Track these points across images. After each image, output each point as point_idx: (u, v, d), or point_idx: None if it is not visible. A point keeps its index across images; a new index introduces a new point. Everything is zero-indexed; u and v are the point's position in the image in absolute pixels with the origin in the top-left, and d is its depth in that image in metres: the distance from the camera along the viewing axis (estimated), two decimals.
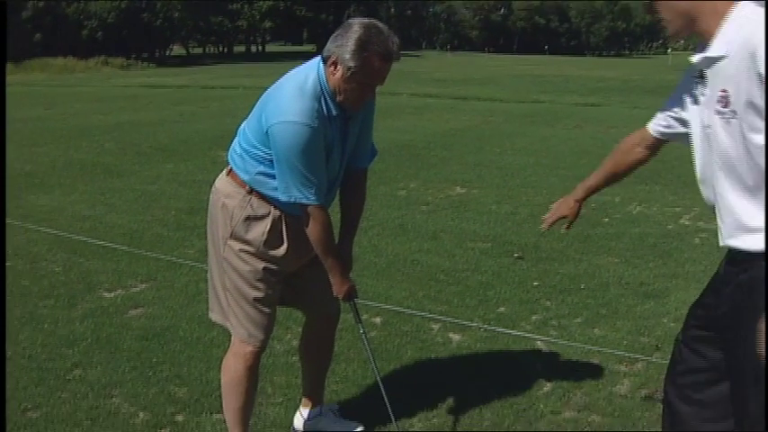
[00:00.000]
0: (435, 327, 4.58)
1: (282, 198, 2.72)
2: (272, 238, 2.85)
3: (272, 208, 2.83)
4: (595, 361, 4.11)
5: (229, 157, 2.93)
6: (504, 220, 7.11)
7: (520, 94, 21.12)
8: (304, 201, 2.70)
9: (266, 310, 2.91)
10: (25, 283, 5.28)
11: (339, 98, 2.69)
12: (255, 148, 2.76)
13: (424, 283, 5.33)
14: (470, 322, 4.61)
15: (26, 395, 3.68)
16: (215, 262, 2.95)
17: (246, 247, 2.84)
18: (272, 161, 2.71)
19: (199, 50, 76.26)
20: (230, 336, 3.03)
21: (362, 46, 2.59)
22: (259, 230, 2.83)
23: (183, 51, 71.59)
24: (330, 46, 2.66)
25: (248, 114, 2.89)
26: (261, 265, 2.86)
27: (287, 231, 2.87)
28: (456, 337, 4.45)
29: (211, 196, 2.96)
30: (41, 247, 6.13)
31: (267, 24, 70.07)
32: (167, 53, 64.99)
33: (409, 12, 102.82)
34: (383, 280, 5.37)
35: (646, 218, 7.19)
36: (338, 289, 2.94)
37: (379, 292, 5.12)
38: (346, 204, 3.06)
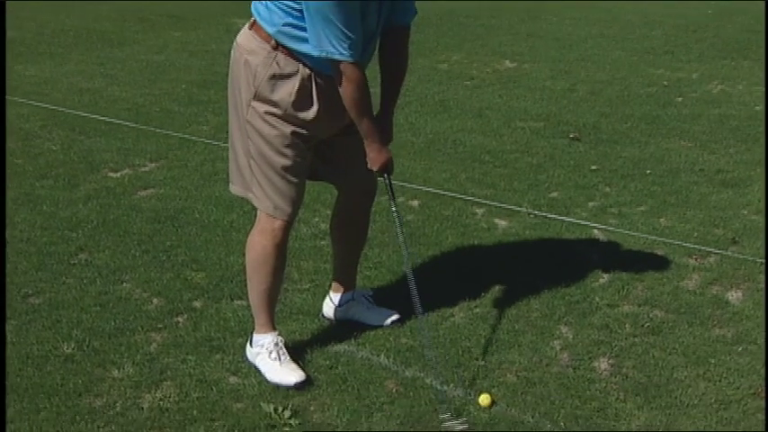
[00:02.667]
0: (479, 211, 4.70)
1: (314, 53, 2.77)
2: (301, 99, 2.91)
3: (301, 66, 2.88)
4: (660, 253, 4.21)
5: (253, 7, 2.96)
6: (560, 97, 7.12)
7: None
8: (337, 56, 2.74)
9: (294, 179, 3.00)
10: (18, 162, 5.42)
11: None
12: None
13: (467, 165, 5.42)
14: (519, 207, 4.72)
15: (26, 280, 3.87)
16: (237, 127, 3.03)
17: (272, 109, 2.91)
18: (301, 12, 2.75)
19: None
20: (253, 216, 3.15)
21: None
22: (286, 90, 2.90)
23: None
24: None
25: None
26: (289, 129, 2.93)
27: (317, 92, 2.93)
28: (502, 222, 4.56)
29: (233, 53, 3.02)
30: (34, 124, 6.26)
31: None
32: None
33: None
34: (421, 160, 5.46)
35: (728, 97, 7.15)
36: (374, 158, 3.01)
37: (416, 173, 5.22)
38: (387, 66, 3.11)
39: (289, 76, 2.89)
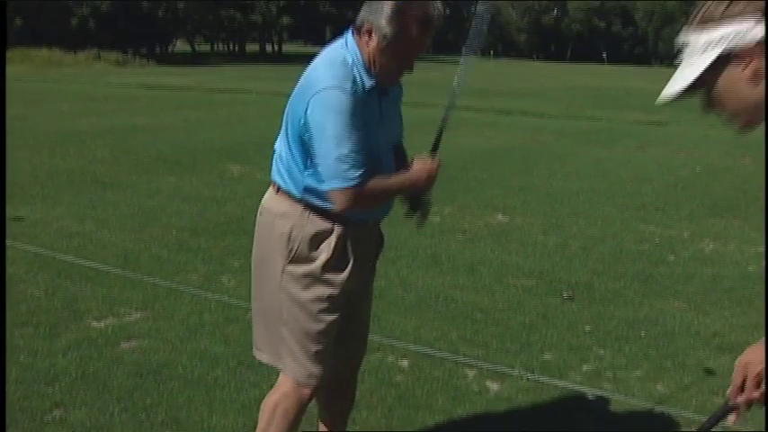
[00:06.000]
0: (471, 373, 4.60)
1: (324, 187, 2.75)
2: (338, 257, 2.89)
3: (336, 223, 2.87)
4: (658, 422, 4.10)
5: (274, 174, 2.98)
6: (552, 253, 7.12)
7: (573, 108, 21.16)
8: (343, 184, 2.71)
9: (328, 343, 2.96)
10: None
11: (374, 70, 2.78)
12: (298, 155, 2.82)
13: (459, 323, 5.35)
14: (511, 369, 4.63)
15: None
16: (268, 295, 2.98)
17: (310, 270, 2.88)
18: (315, 169, 2.77)
19: (206, 48, 77.29)
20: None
21: (400, 10, 2.68)
22: (324, 249, 2.88)
23: (187, 48, 72.43)
24: (363, 13, 2.76)
25: (280, 127, 2.95)
26: (326, 291, 2.90)
27: (352, 247, 2.92)
28: (494, 385, 4.46)
29: (260, 218, 3.01)
30: (19, 267, 6.20)
31: (285, 21, 70.79)
32: (170, 49, 65.79)
33: (447, 11, 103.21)
34: (412, 318, 5.39)
35: (720, 257, 7.17)
36: (420, 169, 2.94)
37: (407, 330, 5.14)
38: None
39: (325, 233, 2.87)
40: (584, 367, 4.73)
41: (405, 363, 4.69)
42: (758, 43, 1.77)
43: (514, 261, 6.84)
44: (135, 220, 7.84)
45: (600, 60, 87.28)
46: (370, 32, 2.73)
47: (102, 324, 5.15)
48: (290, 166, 2.87)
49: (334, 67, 2.74)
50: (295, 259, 2.88)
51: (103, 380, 4.34)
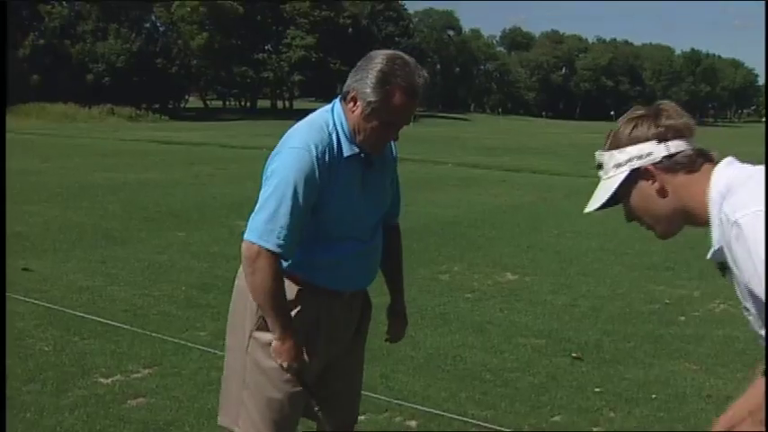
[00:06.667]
0: None
1: (245, 235, 2.73)
2: (305, 328, 2.85)
3: (306, 291, 2.85)
4: None
5: None
6: (561, 313, 7.07)
7: (582, 166, 21.12)
8: (258, 241, 2.67)
9: (289, 414, 2.91)
10: (7, 363, 5.30)
11: (358, 138, 2.76)
12: None
13: (468, 383, 5.30)
14: None
15: None
16: (234, 358, 2.96)
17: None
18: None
19: (218, 103, 78.24)
20: None
21: (384, 79, 2.67)
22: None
23: (200, 104, 73.31)
24: (350, 80, 2.75)
25: None
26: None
27: (324, 318, 2.89)
28: None
29: (236, 282, 2.98)
30: (29, 322, 6.19)
31: (297, 77, 71.67)
32: (182, 105, 66.56)
33: (457, 69, 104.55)
34: (420, 377, 5.35)
35: (732, 318, 7.09)
36: (276, 348, 2.80)
37: (415, 390, 5.09)
38: (383, 262, 3.10)
39: (294, 302, 2.84)
40: (595, 430, 4.67)
41: (413, 423, 4.64)
42: (661, 161, 2.06)
43: (523, 321, 6.80)
44: (144, 275, 7.84)
45: (608, 118, 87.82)
46: (354, 100, 2.72)
47: (110, 381, 5.12)
48: None
49: (312, 129, 2.75)
50: (262, 326, 2.84)
51: None
